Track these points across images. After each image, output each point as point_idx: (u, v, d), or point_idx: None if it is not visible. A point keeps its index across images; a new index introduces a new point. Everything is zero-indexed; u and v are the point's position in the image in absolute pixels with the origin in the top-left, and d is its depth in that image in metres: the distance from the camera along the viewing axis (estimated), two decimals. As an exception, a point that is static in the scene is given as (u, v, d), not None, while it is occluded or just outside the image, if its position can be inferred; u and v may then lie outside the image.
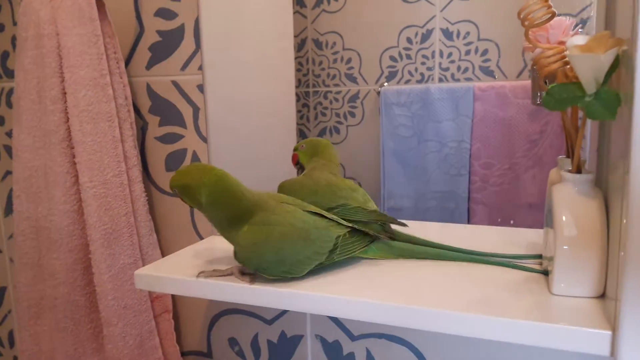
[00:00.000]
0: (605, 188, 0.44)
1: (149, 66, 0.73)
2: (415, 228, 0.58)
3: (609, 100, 0.37)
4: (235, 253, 0.49)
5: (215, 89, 0.66)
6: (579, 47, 0.37)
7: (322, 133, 0.74)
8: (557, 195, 0.44)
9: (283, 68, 0.73)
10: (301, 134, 0.75)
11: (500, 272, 0.49)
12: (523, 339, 0.40)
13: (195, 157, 0.72)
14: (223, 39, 0.67)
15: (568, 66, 0.41)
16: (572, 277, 0.43)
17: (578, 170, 0.44)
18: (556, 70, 0.40)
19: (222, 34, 0.67)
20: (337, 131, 0.72)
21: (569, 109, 0.45)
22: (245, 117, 0.70)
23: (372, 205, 0.56)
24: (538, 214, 0.62)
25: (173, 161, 0.74)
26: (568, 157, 0.48)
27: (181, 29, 0.70)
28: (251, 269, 0.49)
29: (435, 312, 0.42)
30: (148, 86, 0.73)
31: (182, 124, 0.72)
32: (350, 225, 0.52)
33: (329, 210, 0.54)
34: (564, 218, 0.43)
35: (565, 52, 0.40)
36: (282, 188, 0.58)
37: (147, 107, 0.74)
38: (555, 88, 0.40)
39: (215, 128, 0.66)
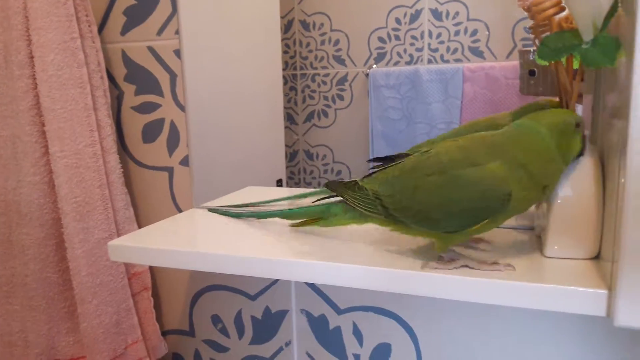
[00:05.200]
0: (600, 146, 0.42)
1: (124, 32, 0.69)
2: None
3: (607, 45, 0.35)
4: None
5: (193, 54, 0.64)
6: (577, -11, 0.35)
7: (310, 117, 0.72)
8: (551, 153, 0.42)
9: (269, 49, 0.71)
10: (289, 118, 0.73)
11: (488, 236, 0.48)
12: (517, 301, 0.38)
13: (173, 127, 0.69)
14: (201, 3, 0.64)
15: (564, 13, 0.39)
16: (566, 239, 0.41)
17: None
18: (551, 17, 0.38)
19: (200, -3, 0.64)
20: (326, 114, 0.71)
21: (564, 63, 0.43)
22: (228, 91, 0.68)
23: None
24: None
25: (150, 132, 0.71)
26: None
27: (157, -9, 0.66)
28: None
29: (423, 276, 0.40)
30: (123, 53, 0.70)
31: (159, 92, 0.69)
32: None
33: None
34: (558, 177, 0.41)
35: (561, -3, 0.38)
36: None
37: (123, 75, 0.71)
38: (550, 37, 0.38)
39: (194, 96, 0.64)
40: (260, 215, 0.56)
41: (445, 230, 0.40)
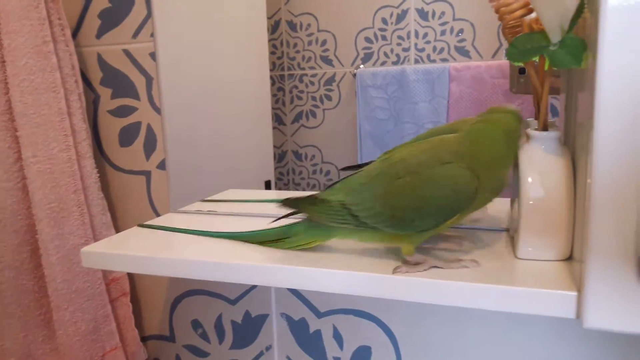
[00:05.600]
0: (573, 148, 0.42)
1: (99, 35, 0.68)
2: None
3: (574, 47, 0.35)
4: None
5: (168, 57, 0.63)
6: (543, -10, 0.34)
7: (298, 117, 0.72)
8: (523, 155, 0.42)
9: (256, 50, 0.71)
10: (277, 119, 0.73)
11: (465, 238, 0.48)
12: (486, 303, 0.38)
13: (149, 131, 0.68)
14: (177, 5, 0.63)
15: (532, 15, 0.38)
16: (538, 240, 0.41)
17: (544, 128, 0.42)
18: (519, 18, 0.38)
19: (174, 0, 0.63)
20: (314, 115, 0.70)
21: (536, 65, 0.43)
22: (210, 93, 0.67)
23: None
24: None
25: (127, 136, 0.70)
26: (537, 118, 0.46)
27: (132, -7, 0.65)
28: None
29: (397, 280, 0.40)
30: (99, 56, 0.69)
31: (135, 96, 0.68)
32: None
33: None
34: (529, 178, 0.41)
35: (528, -1, 0.38)
36: None
37: (99, 79, 0.70)
38: (519, 39, 0.38)
39: (170, 99, 0.63)
40: (208, 234, 0.53)
41: (420, 229, 0.40)
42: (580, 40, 0.35)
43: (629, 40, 0.30)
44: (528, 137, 0.42)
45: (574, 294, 0.35)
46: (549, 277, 0.38)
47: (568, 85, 0.46)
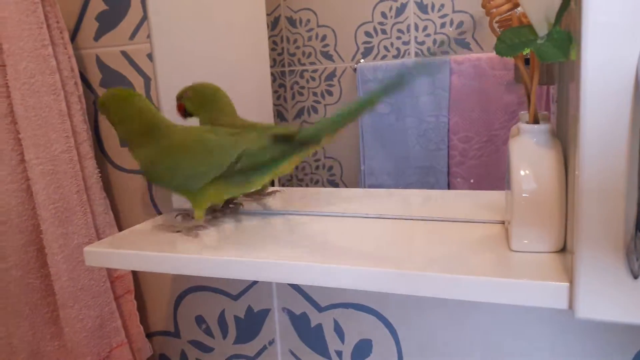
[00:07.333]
0: (565, 140, 0.43)
1: (97, 37, 0.69)
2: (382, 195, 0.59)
3: (561, 40, 0.35)
4: (140, 167, 0.55)
5: (166, 57, 0.64)
6: (528, -16, 0.35)
7: (300, 113, 0.72)
8: (514, 148, 0.42)
9: (256, 47, 0.71)
10: (279, 115, 0.73)
11: (458, 230, 0.48)
12: (480, 296, 0.38)
13: (150, 131, 0.69)
14: (172, 6, 0.64)
15: (520, 9, 0.39)
16: (531, 232, 0.41)
17: (535, 121, 0.43)
18: (505, 13, 0.38)
19: (170, 1, 0.64)
20: (315, 110, 0.71)
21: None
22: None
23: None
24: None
25: (128, 136, 0.70)
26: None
27: (128, -5, 0.66)
28: (151, 181, 0.55)
29: (394, 273, 0.40)
30: (97, 58, 0.70)
31: (135, 96, 0.69)
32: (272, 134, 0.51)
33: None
34: (521, 171, 0.41)
35: (515, -7, 0.38)
36: None
37: (98, 80, 0.71)
38: (507, 33, 0.38)
39: (168, 99, 0.64)
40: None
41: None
42: (566, 34, 0.35)
43: (612, 32, 0.31)
44: (519, 131, 0.43)
45: (566, 285, 0.36)
46: (543, 268, 0.39)
47: (560, 78, 0.46)
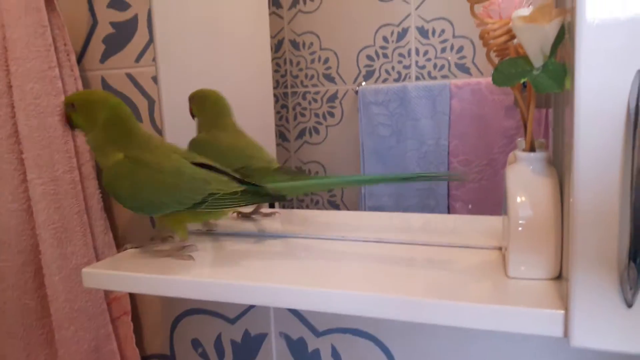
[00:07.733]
0: (561, 167, 0.43)
1: (103, 59, 0.70)
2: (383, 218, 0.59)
3: (555, 71, 0.36)
4: (103, 176, 0.54)
5: (170, 80, 0.65)
6: (523, 18, 0.36)
7: (302, 134, 0.73)
8: (510, 175, 0.43)
9: (260, 69, 0.72)
10: (281, 135, 0.74)
11: (456, 256, 0.48)
12: (476, 323, 0.38)
13: (151, 152, 0.70)
14: (178, 31, 0.66)
15: (517, 40, 0.40)
16: (528, 259, 0.42)
17: (532, 149, 0.43)
18: (502, 44, 0.39)
19: (176, 25, 0.66)
20: (317, 131, 0.72)
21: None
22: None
23: (276, 164, 0.60)
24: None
25: (129, 157, 0.71)
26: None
27: (134, 20, 0.67)
28: (110, 194, 0.53)
29: (390, 299, 0.40)
30: (103, 80, 0.71)
31: (138, 118, 0.69)
32: (246, 184, 0.53)
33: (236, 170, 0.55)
34: (517, 198, 0.42)
35: (510, 25, 0.39)
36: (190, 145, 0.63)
37: (103, 102, 0.72)
38: (503, 64, 0.39)
39: (172, 121, 0.65)
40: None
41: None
42: (561, 66, 0.36)
43: (604, 61, 0.31)
44: (516, 158, 0.43)
45: (562, 312, 0.36)
46: (539, 295, 0.39)
47: (555, 106, 0.47)
